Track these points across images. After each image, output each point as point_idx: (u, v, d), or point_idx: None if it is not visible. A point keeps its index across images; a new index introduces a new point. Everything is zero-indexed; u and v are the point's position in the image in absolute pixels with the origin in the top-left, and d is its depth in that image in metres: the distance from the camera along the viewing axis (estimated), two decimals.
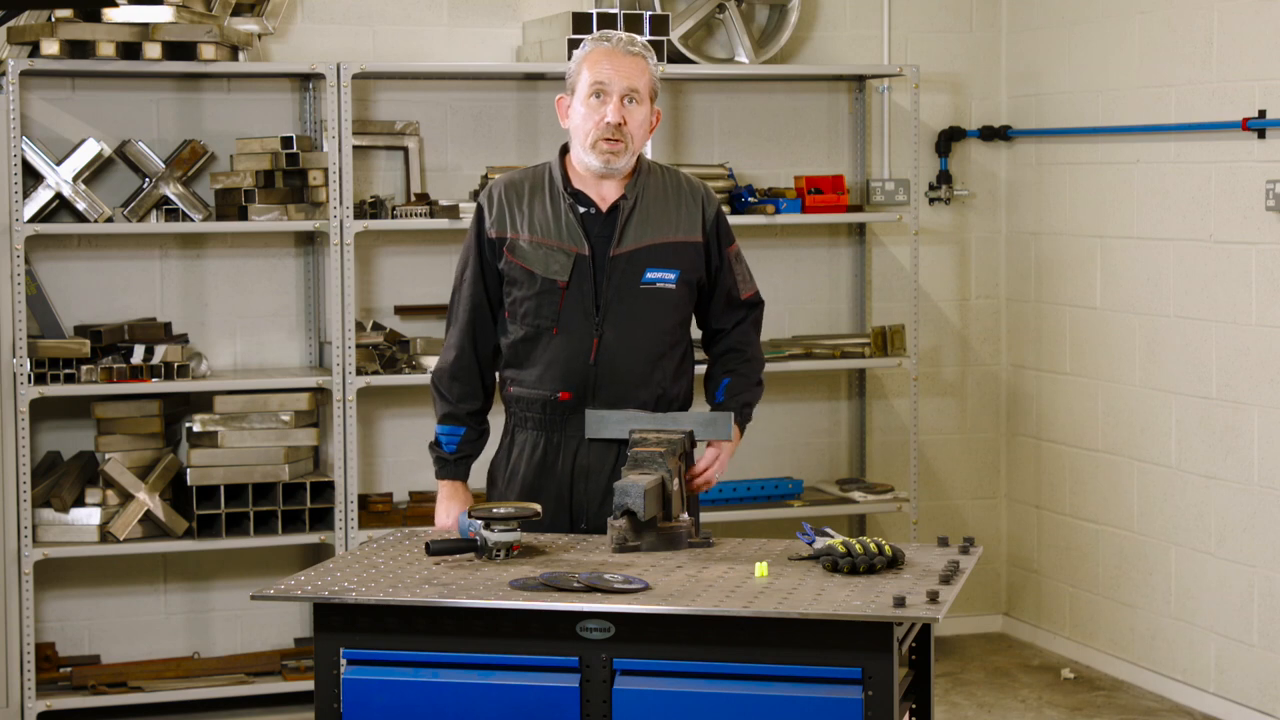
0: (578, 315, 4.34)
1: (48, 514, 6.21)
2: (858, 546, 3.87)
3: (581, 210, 4.38)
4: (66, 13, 6.05)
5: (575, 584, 3.70)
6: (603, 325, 4.34)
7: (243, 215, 6.32)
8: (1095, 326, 6.89)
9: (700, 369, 4.59)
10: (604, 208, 4.37)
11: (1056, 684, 6.78)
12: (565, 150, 4.46)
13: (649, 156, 6.52)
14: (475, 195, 6.68)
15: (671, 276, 4.38)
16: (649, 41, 6.58)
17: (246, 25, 6.45)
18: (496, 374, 4.52)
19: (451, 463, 4.52)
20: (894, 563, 3.89)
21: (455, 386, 4.49)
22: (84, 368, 6.12)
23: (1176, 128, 6.41)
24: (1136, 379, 6.66)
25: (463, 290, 4.48)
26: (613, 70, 4.30)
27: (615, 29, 6.52)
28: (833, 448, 7.30)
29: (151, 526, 6.30)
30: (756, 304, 4.57)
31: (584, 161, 4.36)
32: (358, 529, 6.37)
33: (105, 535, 6.23)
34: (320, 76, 6.39)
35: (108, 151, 6.33)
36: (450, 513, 4.50)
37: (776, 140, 7.15)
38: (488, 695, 3.64)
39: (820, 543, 3.97)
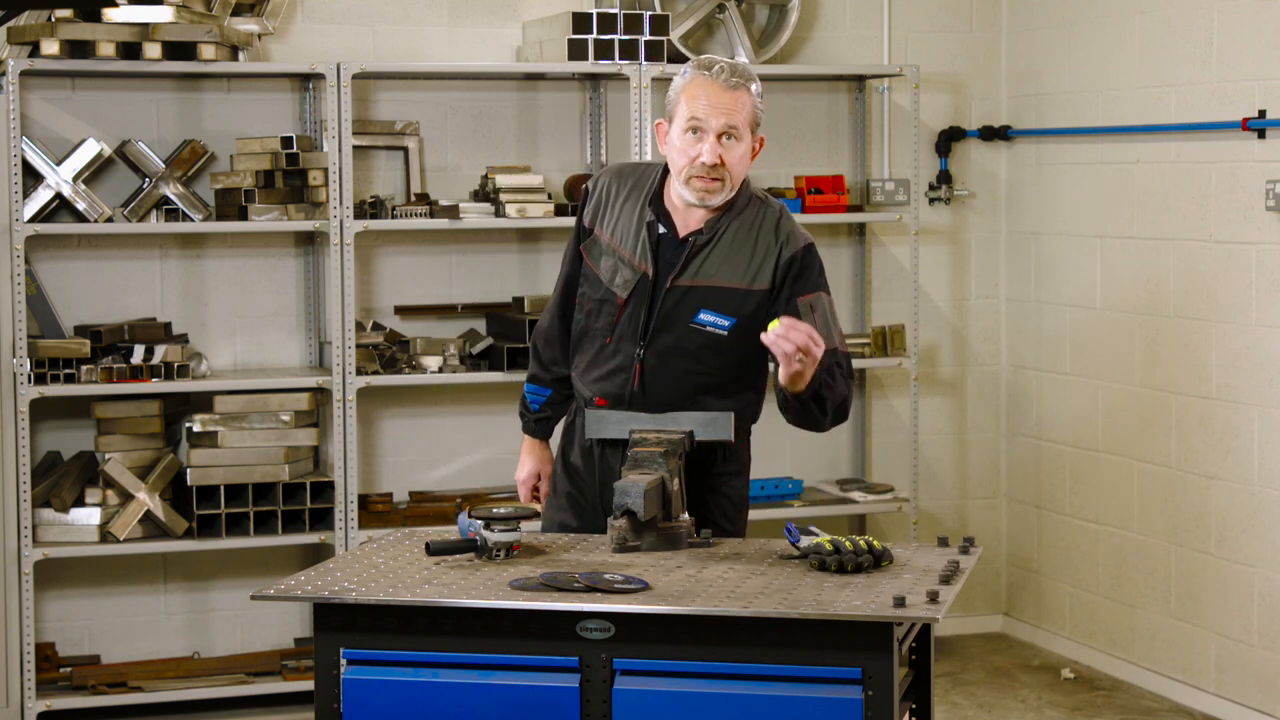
0: (629, 334, 4.28)
1: (48, 514, 6.21)
2: (847, 544, 3.88)
3: (660, 231, 4.27)
4: (66, 13, 6.05)
5: (575, 584, 3.70)
6: (646, 351, 4.28)
7: (243, 215, 6.32)
8: (1095, 326, 6.89)
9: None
10: (681, 234, 4.26)
11: (1056, 684, 6.78)
12: None
13: (642, 153, 6.55)
14: (475, 195, 6.68)
15: (725, 323, 4.24)
16: (649, 41, 6.58)
17: (246, 25, 6.45)
18: None
19: (533, 421, 4.58)
20: (880, 560, 3.90)
21: (548, 350, 4.53)
22: (84, 368, 6.13)
23: (1176, 128, 6.41)
24: (1136, 379, 6.66)
25: (563, 264, 4.51)
26: (710, 107, 4.14)
27: (610, 31, 6.53)
28: (833, 448, 7.30)
29: (151, 526, 6.30)
30: (835, 363, 4.15)
31: (679, 192, 4.24)
32: (358, 529, 6.38)
33: (105, 535, 6.23)
34: (320, 76, 6.39)
35: (108, 151, 6.33)
36: (524, 467, 4.60)
37: (776, 140, 7.15)
38: (488, 695, 3.64)
39: (806, 542, 3.97)
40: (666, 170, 4.31)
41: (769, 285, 4.24)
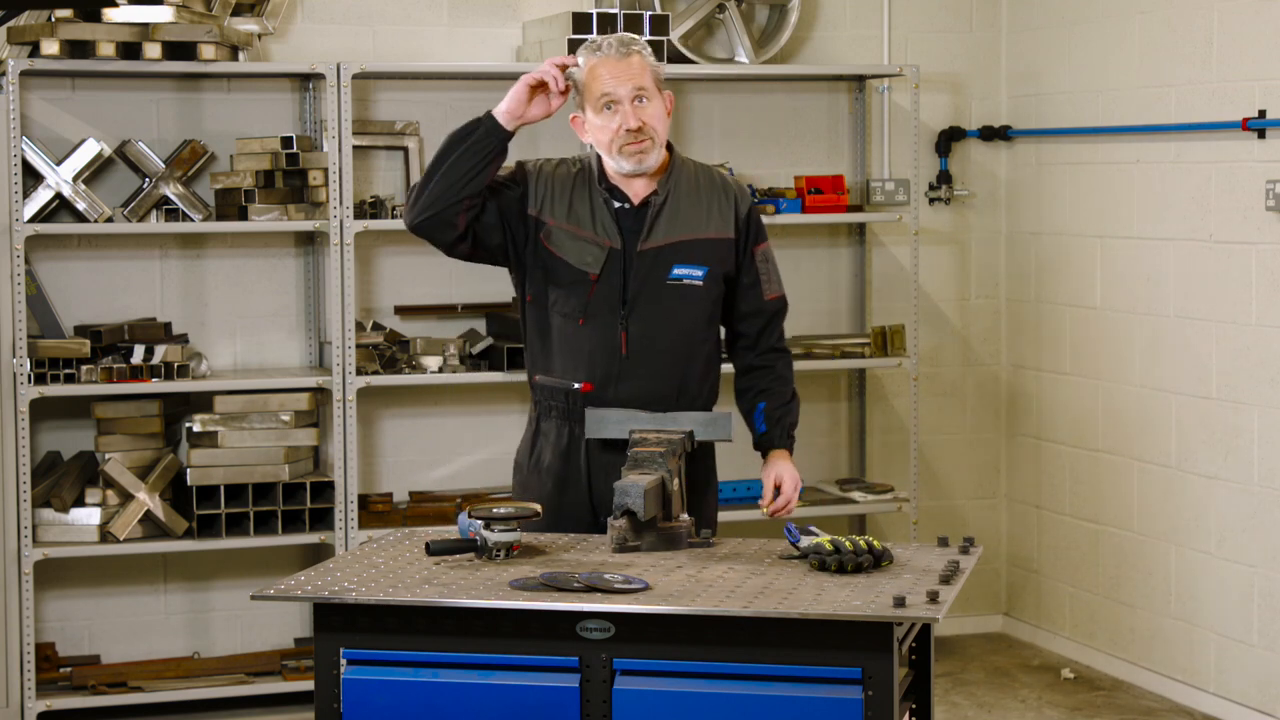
0: (605, 308, 4.36)
1: (48, 514, 6.21)
2: (847, 544, 3.88)
3: (616, 205, 4.40)
4: (66, 13, 6.05)
5: (575, 584, 3.70)
6: (628, 319, 4.36)
7: (243, 215, 6.32)
8: (1095, 326, 6.89)
9: (727, 369, 4.57)
10: (636, 202, 4.40)
11: (1056, 684, 6.78)
12: None
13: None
14: None
15: (699, 273, 4.40)
16: (650, 41, 6.58)
17: (246, 25, 6.45)
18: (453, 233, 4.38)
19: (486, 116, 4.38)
20: (880, 560, 3.90)
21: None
22: (84, 368, 6.13)
23: (1176, 128, 6.41)
24: (1136, 379, 6.67)
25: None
26: (615, 78, 4.32)
27: (610, 30, 6.53)
28: (833, 448, 7.30)
29: (151, 526, 6.30)
30: (780, 308, 4.57)
31: (616, 167, 4.39)
32: (358, 529, 6.38)
33: (105, 535, 6.23)
34: (320, 76, 6.40)
35: (108, 151, 6.33)
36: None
37: (776, 140, 7.15)
38: (488, 695, 3.64)
39: (806, 541, 3.98)
40: (599, 155, 4.44)
41: (733, 235, 4.45)
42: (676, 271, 4.38)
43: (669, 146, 4.47)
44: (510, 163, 4.46)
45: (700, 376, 4.45)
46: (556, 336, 4.41)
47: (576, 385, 4.37)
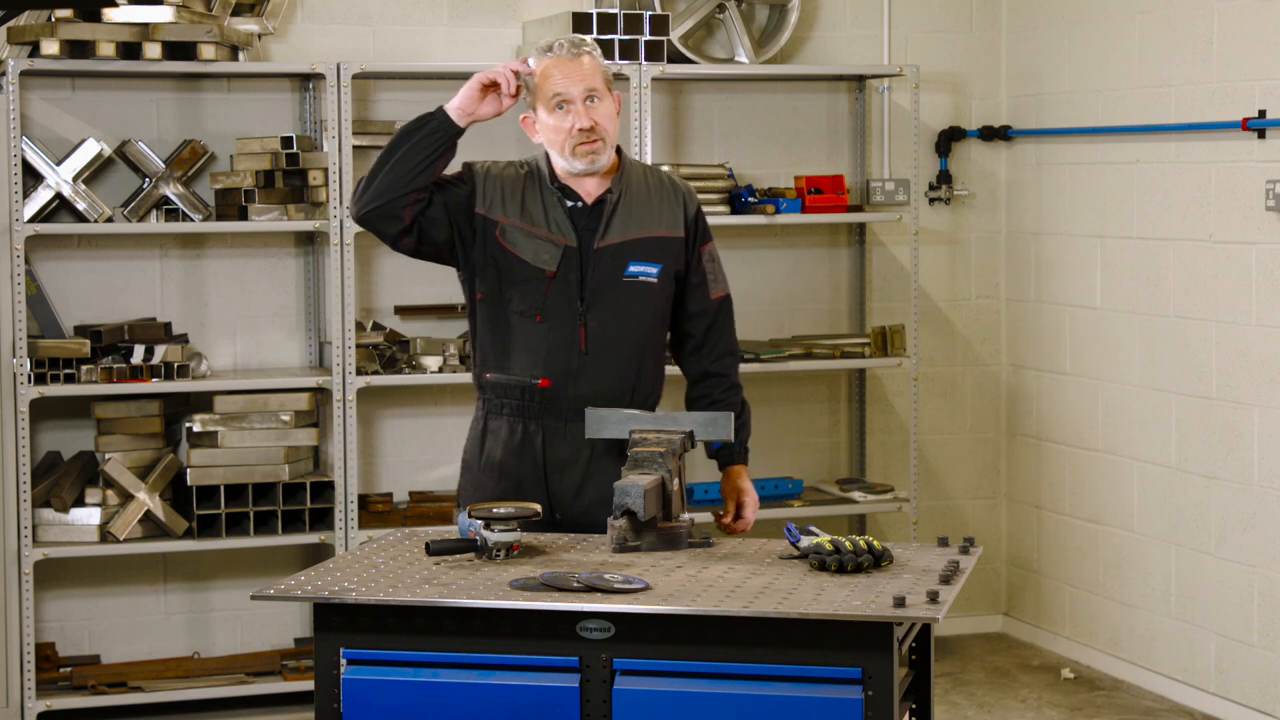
0: (562, 305, 4.39)
1: (48, 514, 6.21)
2: (847, 544, 3.88)
3: (569, 204, 4.44)
4: (66, 13, 6.05)
5: (575, 584, 3.70)
6: (586, 316, 4.39)
7: (243, 215, 6.32)
8: (1095, 326, 6.89)
9: (670, 371, 4.59)
10: (590, 202, 4.44)
11: (1056, 684, 6.78)
12: None
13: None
14: None
15: (653, 270, 4.44)
16: (649, 41, 6.59)
17: (246, 25, 6.45)
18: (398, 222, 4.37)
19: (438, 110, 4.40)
20: (880, 560, 3.90)
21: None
22: (84, 368, 6.13)
23: (1176, 128, 6.41)
24: (1136, 379, 6.67)
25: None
26: (566, 78, 4.36)
27: (611, 30, 6.54)
28: (833, 448, 7.30)
29: (151, 526, 6.30)
30: (726, 306, 4.60)
31: (567, 167, 4.42)
32: (358, 529, 6.38)
33: (105, 535, 6.23)
34: (320, 76, 6.40)
35: (108, 151, 6.33)
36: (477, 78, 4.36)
37: (776, 140, 7.15)
38: (488, 695, 3.64)
39: (806, 541, 3.98)
40: (548, 156, 4.47)
41: (683, 234, 4.50)
42: (632, 269, 4.42)
43: (617, 149, 4.49)
44: (457, 164, 4.48)
45: (652, 375, 4.48)
46: (513, 334, 4.42)
47: (534, 382, 4.39)
